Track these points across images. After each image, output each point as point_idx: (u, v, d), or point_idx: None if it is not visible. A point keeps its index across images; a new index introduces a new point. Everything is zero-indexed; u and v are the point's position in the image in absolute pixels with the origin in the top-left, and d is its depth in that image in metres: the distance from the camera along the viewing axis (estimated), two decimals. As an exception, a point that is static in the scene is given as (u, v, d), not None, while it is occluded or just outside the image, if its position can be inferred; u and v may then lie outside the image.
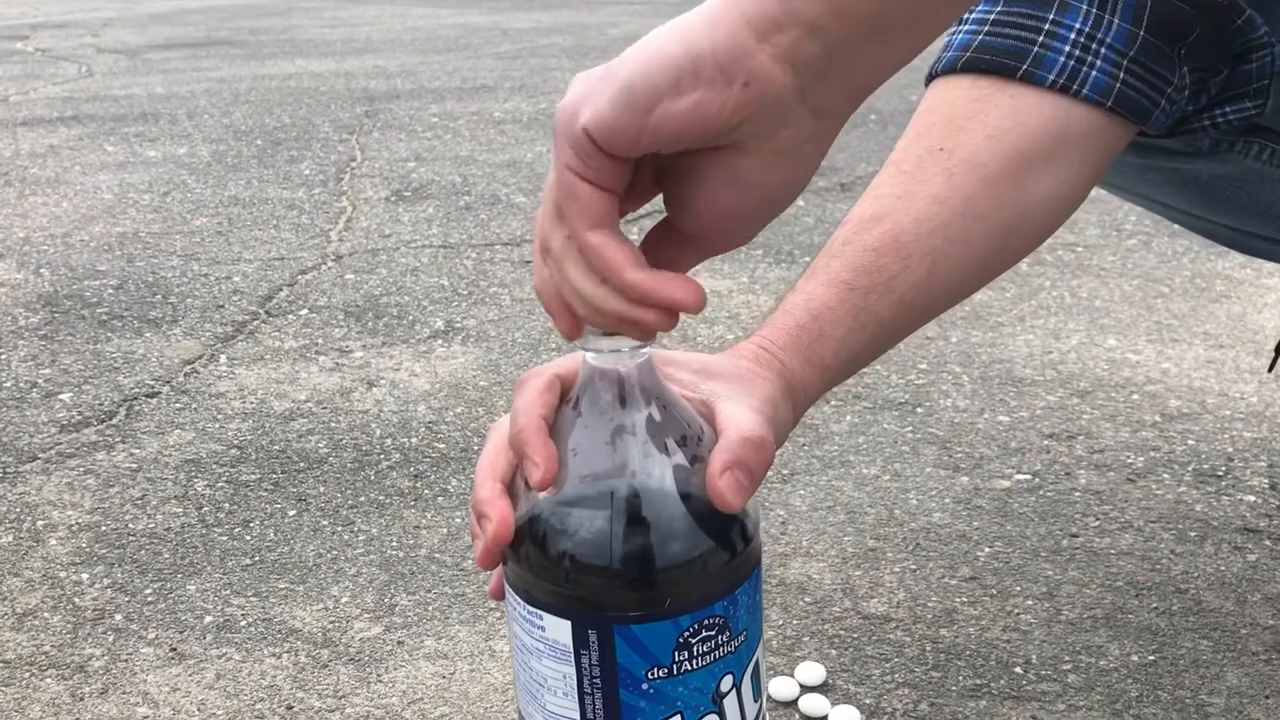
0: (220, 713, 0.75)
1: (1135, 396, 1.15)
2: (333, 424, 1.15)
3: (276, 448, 1.11)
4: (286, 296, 1.51)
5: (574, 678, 0.50)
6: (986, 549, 0.90)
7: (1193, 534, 0.91)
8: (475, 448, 1.09)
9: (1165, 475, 1.00)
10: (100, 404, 1.22)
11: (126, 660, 0.81)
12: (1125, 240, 1.62)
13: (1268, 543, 0.89)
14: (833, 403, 1.16)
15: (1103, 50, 0.63)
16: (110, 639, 0.83)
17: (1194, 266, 1.51)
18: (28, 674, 0.79)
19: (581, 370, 0.51)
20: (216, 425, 1.16)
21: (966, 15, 0.66)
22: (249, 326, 1.41)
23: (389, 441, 1.11)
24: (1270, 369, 1.00)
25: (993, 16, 0.65)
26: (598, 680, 0.50)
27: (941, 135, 0.64)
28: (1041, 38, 0.63)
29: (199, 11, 5.24)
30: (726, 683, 0.51)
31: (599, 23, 4.30)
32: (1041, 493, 0.98)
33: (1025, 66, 0.63)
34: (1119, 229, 1.66)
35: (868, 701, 0.73)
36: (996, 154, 0.63)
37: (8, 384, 1.28)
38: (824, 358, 0.61)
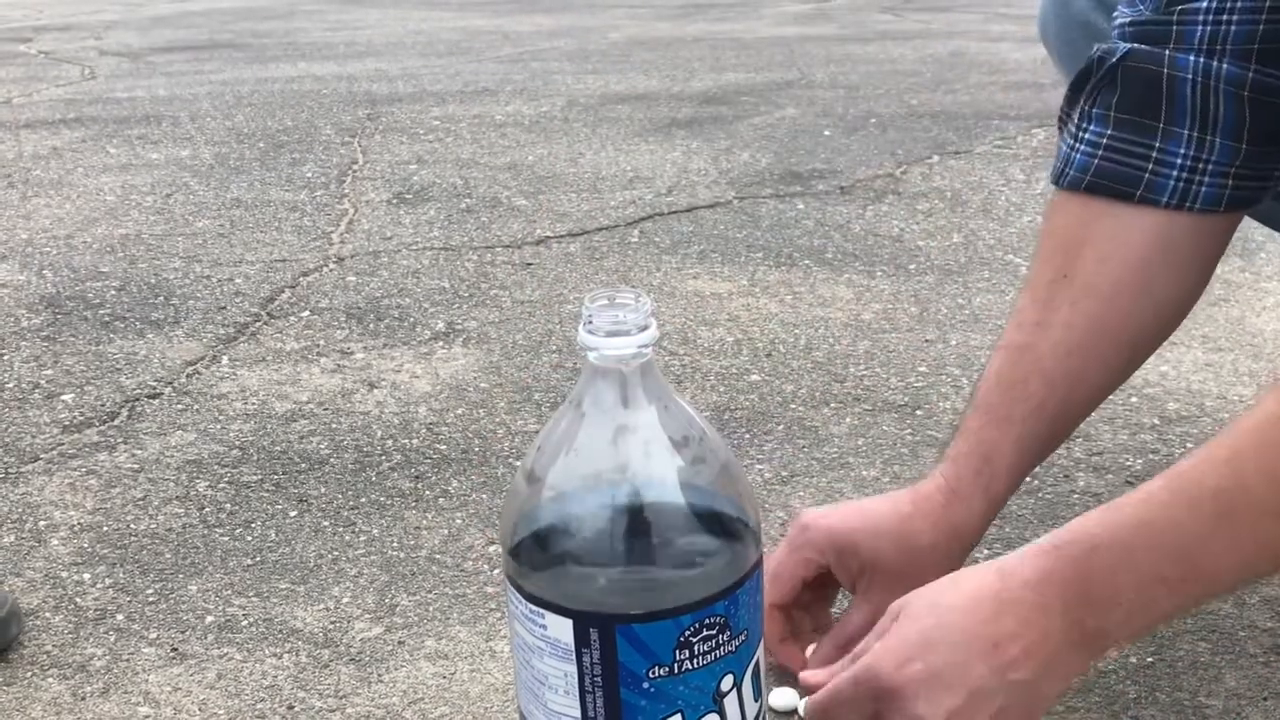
0: (221, 712, 0.75)
1: (1134, 399, 1.15)
2: (334, 425, 1.16)
3: (278, 449, 1.11)
4: (288, 298, 1.51)
5: (575, 676, 0.50)
6: (985, 551, 0.90)
7: (1191, 537, 0.91)
8: (476, 449, 1.10)
9: (1164, 478, 1.00)
10: (102, 405, 1.22)
11: (128, 660, 0.81)
12: (1125, 244, 1.62)
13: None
14: (832, 405, 1.16)
15: (1209, 168, 0.70)
16: (112, 639, 0.83)
17: (1193, 270, 1.51)
18: (29, 673, 0.80)
19: (584, 369, 0.51)
20: (218, 426, 1.16)
21: (1079, 130, 0.73)
22: (251, 328, 1.42)
23: (390, 443, 1.12)
24: None
25: (1105, 141, 0.72)
26: (599, 678, 0.50)
27: (1062, 262, 0.73)
28: (1151, 165, 0.70)
29: (202, 14, 5.25)
30: (727, 682, 0.52)
31: (600, 26, 4.31)
32: (1040, 495, 0.98)
33: (1140, 191, 0.71)
34: (1119, 233, 1.66)
35: (867, 702, 0.73)
36: (1108, 276, 0.71)
37: (10, 385, 1.28)
38: (999, 494, 0.75)
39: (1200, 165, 0.70)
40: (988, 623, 0.57)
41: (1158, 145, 0.70)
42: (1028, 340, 0.73)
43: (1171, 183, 0.70)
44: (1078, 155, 0.73)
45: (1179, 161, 0.70)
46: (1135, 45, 0.71)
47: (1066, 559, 0.58)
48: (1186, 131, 0.70)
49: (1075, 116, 0.74)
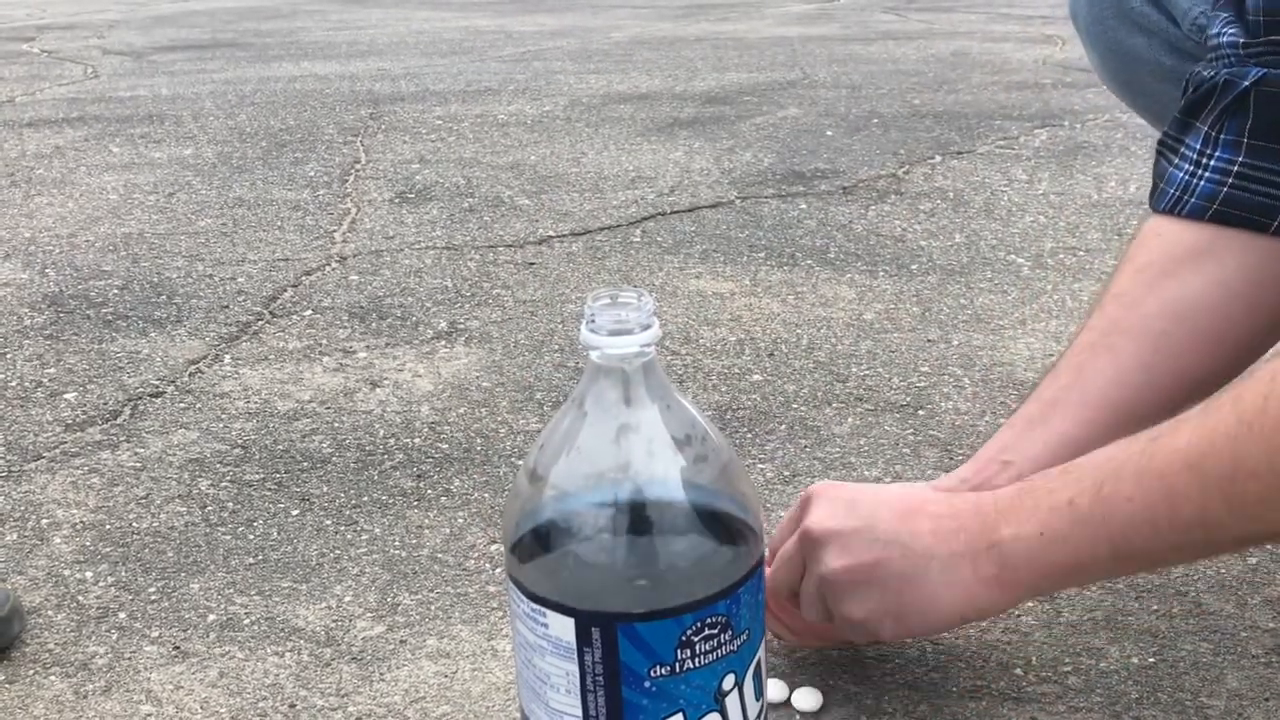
0: (223, 711, 0.76)
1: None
2: (336, 424, 1.16)
3: (280, 447, 1.11)
4: (291, 297, 1.51)
5: (577, 675, 0.50)
6: (988, 551, 0.90)
7: (1193, 537, 0.91)
8: (478, 448, 1.10)
9: (1166, 479, 1.00)
10: (105, 403, 1.22)
11: (130, 658, 0.81)
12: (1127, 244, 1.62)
13: (1269, 545, 0.89)
14: (834, 405, 1.16)
15: None
16: (114, 637, 0.83)
17: (1196, 271, 1.51)
18: (31, 671, 0.80)
19: (586, 368, 0.51)
20: (220, 425, 1.16)
21: (1203, 156, 0.70)
22: (253, 327, 1.42)
23: (392, 442, 1.12)
24: None
25: (1235, 168, 0.69)
26: (600, 678, 0.50)
27: (1174, 292, 0.70)
28: None
29: (204, 14, 5.25)
30: (729, 681, 0.52)
31: (603, 26, 4.31)
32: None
33: (1277, 223, 0.67)
34: (1120, 233, 1.66)
35: (868, 702, 0.73)
36: (1220, 306, 0.69)
37: (13, 383, 1.28)
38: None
39: None
40: (909, 497, 0.64)
41: None
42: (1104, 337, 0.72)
43: None
44: (1201, 183, 0.70)
45: None
46: (1269, 70, 0.67)
47: (986, 479, 0.67)
48: None
49: (1194, 142, 0.71)
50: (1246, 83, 0.68)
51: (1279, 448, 0.50)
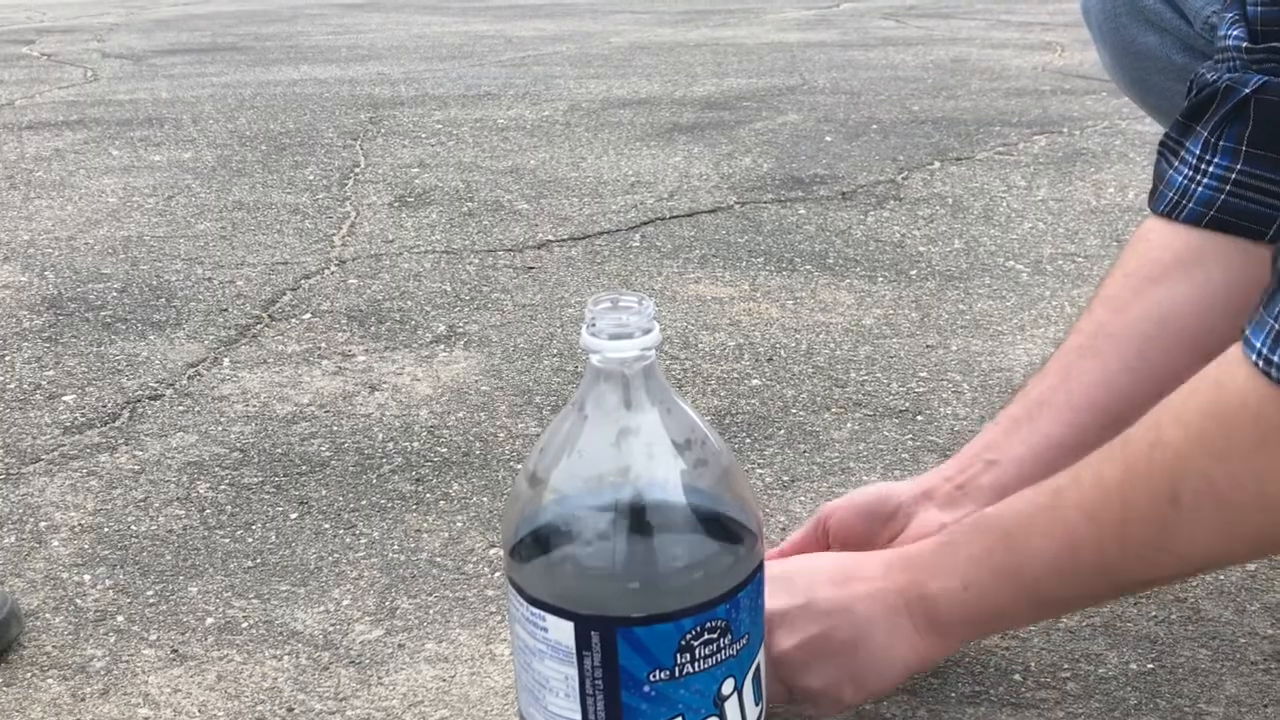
0: (221, 714, 0.75)
1: (1135, 406, 1.15)
2: (335, 427, 1.16)
3: (279, 451, 1.11)
4: (290, 301, 1.51)
5: (576, 679, 0.50)
6: (986, 557, 0.90)
7: (1192, 543, 0.91)
8: (477, 452, 1.10)
9: (1165, 485, 1.00)
10: (103, 406, 1.22)
11: (128, 661, 0.81)
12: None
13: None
14: (833, 410, 1.16)
15: None
16: (112, 640, 0.83)
17: (1195, 278, 1.51)
18: (29, 674, 0.80)
19: (587, 372, 0.51)
20: (219, 428, 1.16)
21: (1201, 162, 0.71)
22: (252, 330, 1.42)
23: (391, 445, 1.12)
24: None
25: (1234, 175, 0.69)
26: (599, 682, 0.50)
27: (1159, 295, 0.71)
28: None
29: (204, 17, 5.25)
30: (728, 685, 0.52)
31: (602, 31, 4.31)
32: (1041, 501, 0.98)
33: (1273, 232, 0.68)
34: (1119, 239, 1.66)
35: (867, 707, 0.73)
36: (1208, 318, 0.69)
37: (11, 385, 1.28)
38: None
39: None
40: (843, 565, 0.66)
41: None
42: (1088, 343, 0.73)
43: None
44: (1199, 189, 0.70)
45: None
46: (1270, 78, 0.67)
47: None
48: None
49: (1194, 147, 0.71)
50: (1247, 90, 0.67)
51: (1160, 493, 0.51)
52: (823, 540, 0.77)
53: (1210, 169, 0.70)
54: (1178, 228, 0.71)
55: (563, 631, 0.50)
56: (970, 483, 0.72)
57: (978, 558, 0.61)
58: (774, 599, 0.62)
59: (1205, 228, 0.69)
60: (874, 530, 0.74)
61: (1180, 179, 0.71)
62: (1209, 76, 0.71)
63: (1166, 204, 0.72)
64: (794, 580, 0.65)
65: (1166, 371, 0.68)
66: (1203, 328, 0.69)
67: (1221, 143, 0.69)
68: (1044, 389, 0.73)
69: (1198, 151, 0.71)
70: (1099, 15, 0.96)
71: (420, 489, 1.04)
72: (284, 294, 1.54)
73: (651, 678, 0.50)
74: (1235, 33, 0.69)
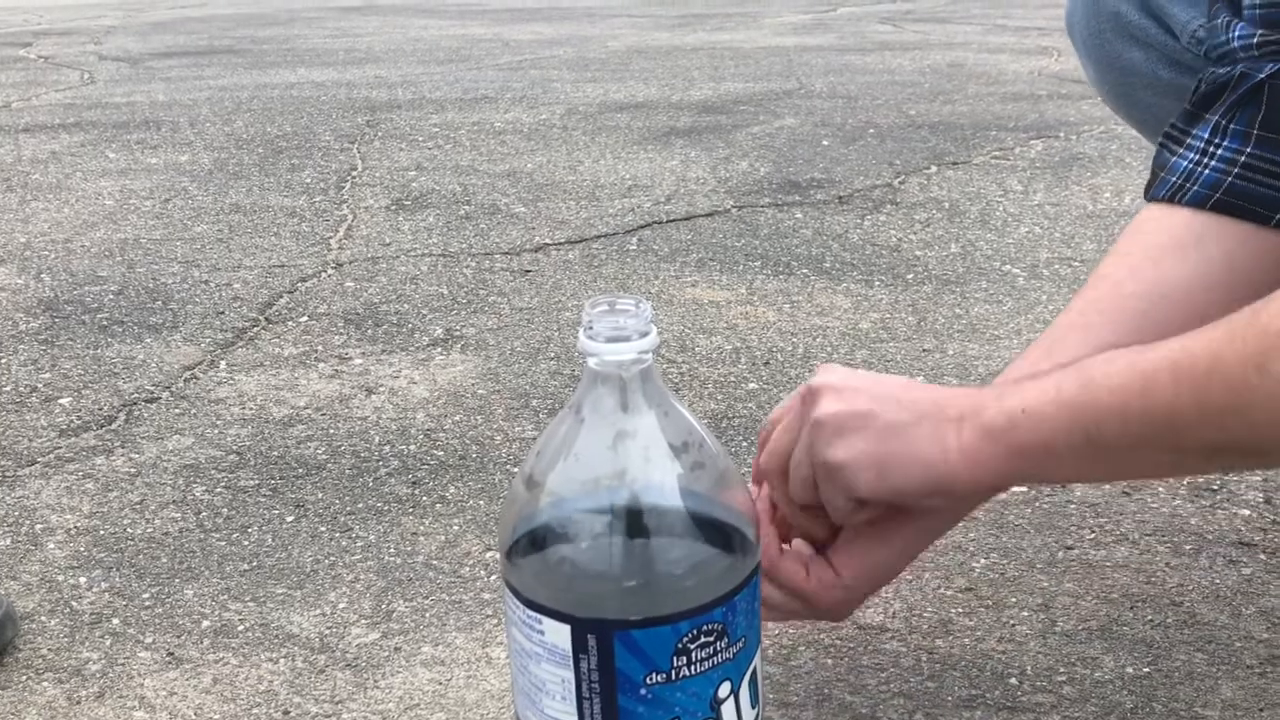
0: (217, 717, 0.75)
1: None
2: (331, 430, 1.16)
3: (275, 454, 1.11)
4: (286, 304, 1.51)
5: (572, 682, 0.50)
6: (982, 560, 0.90)
7: (1188, 547, 0.91)
8: (474, 455, 1.10)
9: (1160, 488, 1.00)
10: (100, 409, 1.22)
11: (123, 664, 0.81)
12: (1122, 255, 1.62)
13: (1262, 556, 0.89)
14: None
15: None
16: (107, 643, 0.83)
17: (1191, 282, 1.51)
18: (24, 677, 0.80)
19: (584, 375, 0.51)
20: (215, 431, 1.16)
21: (1210, 146, 0.69)
22: (249, 333, 1.42)
23: (387, 448, 1.12)
24: None
25: (1243, 159, 0.68)
26: (596, 685, 0.50)
27: (1153, 275, 0.70)
28: None
29: (201, 20, 5.25)
30: (724, 689, 0.52)
31: (599, 35, 4.32)
32: (1037, 505, 0.98)
33: (1278, 217, 0.67)
34: (1115, 241, 1.66)
35: (863, 711, 0.73)
36: (1203, 302, 0.67)
37: (7, 388, 1.28)
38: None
39: None
40: (907, 380, 0.64)
41: None
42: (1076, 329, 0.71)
43: None
44: (1206, 171, 0.69)
45: None
46: None
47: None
48: None
49: (1203, 132, 0.70)
50: (1262, 75, 0.67)
51: (1250, 360, 0.50)
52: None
53: (1219, 152, 0.69)
54: (1178, 211, 0.70)
55: (559, 634, 0.50)
56: None
57: (1046, 389, 0.58)
58: (833, 372, 0.62)
59: (1209, 210, 0.68)
60: None
61: (1185, 164, 0.70)
62: (1220, 70, 0.70)
63: (1168, 189, 0.71)
64: (860, 373, 0.63)
65: None
66: (1199, 309, 0.67)
67: (1233, 126, 0.68)
68: (1027, 365, 0.71)
69: (1206, 135, 0.70)
70: (1084, 31, 0.96)
71: (417, 492, 1.03)
72: (280, 297, 1.54)
73: (648, 681, 0.50)
74: (1238, 32, 0.69)
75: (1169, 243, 0.70)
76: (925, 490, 0.61)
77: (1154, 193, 0.73)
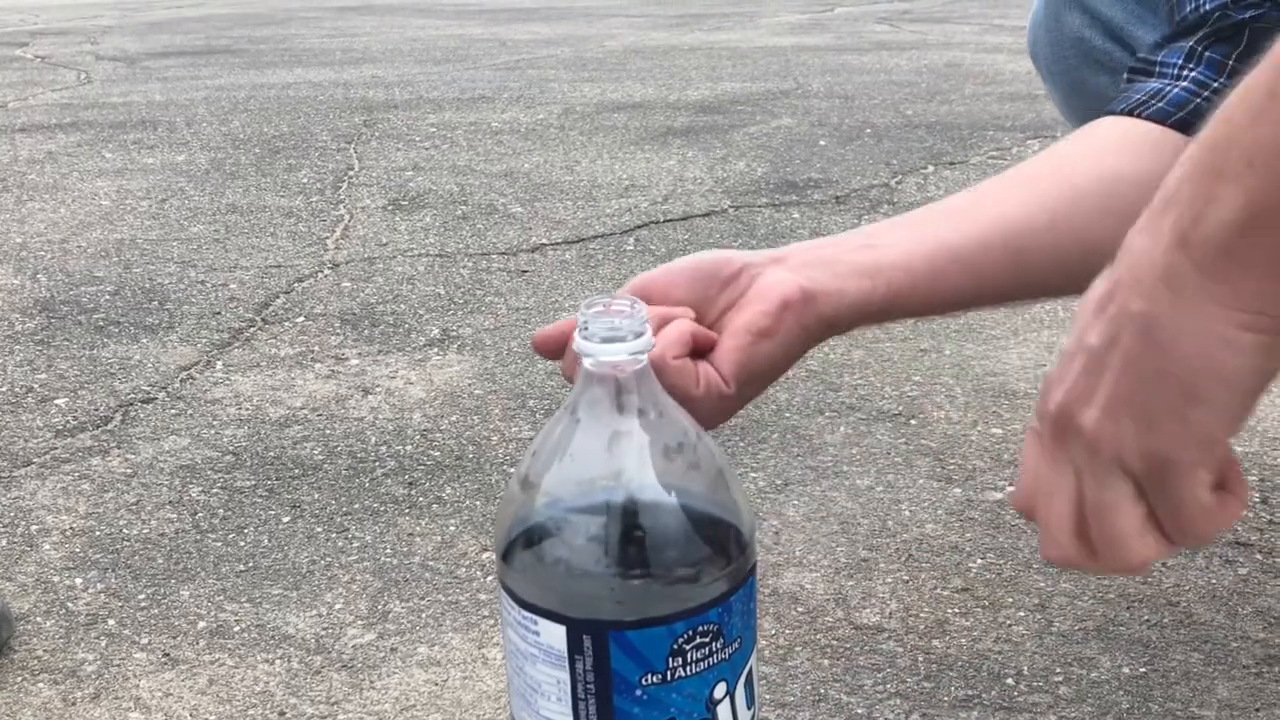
0: (213, 718, 0.75)
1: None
2: (328, 431, 1.16)
3: (271, 454, 1.11)
4: (283, 304, 1.51)
5: (568, 683, 0.50)
6: (979, 560, 0.90)
7: (1184, 547, 0.91)
8: (470, 456, 1.10)
9: (1157, 489, 1.00)
10: (96, 409, 1.22)
11: (119, 665, 0.81)
12: (1119, 255, 1.62)
13: (1259, 556, 0.89)
14: (826, 414, 1.16)
15: None
16: (103, 644, 0.83)
17: (1187, 282, 1.51)
18: (20, 679, 0.79)
19: (579, 376, 0.51)
20: (212, 431, 1.16)
21: (1182, 70, 0.67)
22: (245, 333, 1.42)
23: (384, 449, 1.12)
24: None
25: (1215, 86, 0.66)
26: (591, 686, 0.50)
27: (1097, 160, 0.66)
28: None
29: (198, 20, 5.25)
30: (720, 690, 0.52)
31: (597, 35, 4.31)
32: (1034, 505, 0.98)
33: None
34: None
35: (859, 711, 0.73)
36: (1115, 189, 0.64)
37: (3, 389, 1.28)
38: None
39: None
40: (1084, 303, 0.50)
41: None
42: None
43: None
44: (1175, 91, 0.66)
45: None
46: (1267, 10, 0.65)
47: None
48: None
49: (1175, 58, 0.67)
50: (1245, 15, 0.66)
51: None
52: None
53: (1192, 75, 0.67)
54: (1137, 122, 0.66)
55: (554, 635, 0.50)
56: (839, 258, 0.63)
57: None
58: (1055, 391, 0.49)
59: (1170, 126, 0.65)
60: (709, 296, 0.62)
61: (1153, 85, 0.68)
62: (1204, 6, 0.68)
63: (1130, 104, 0.68)
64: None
65: (1088, 228, 0.64)
66: (1141, 204, 0.65)
67: (1209, 54, 0.66)
68: (949, 205, 0.67)
69: (1179, 61, 0.67)
70: (1048, 58, 0.96)
71: (413, 492, 1.03)
72: (277, 297, 1.53)
73: (643, 681, 0.50)
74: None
75: (1122, 141, 0.67)
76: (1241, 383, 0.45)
77: (1112, 107, 0.69)
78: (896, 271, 0.62)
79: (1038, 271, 0.65)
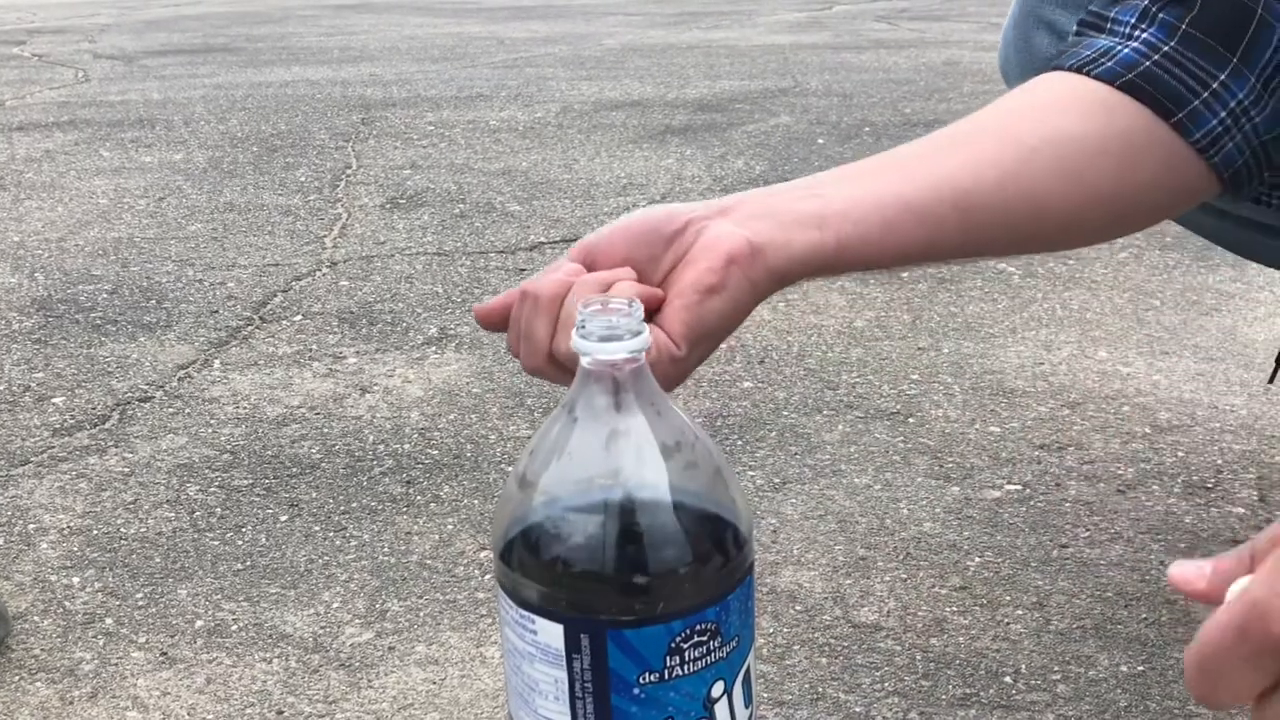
0: (210, 717, 0.75)
1: (1125, 408, 1.15)
2: (326, 430, 1.15)
3: (269, 453, 1.11)
4: (281, 302, 1.51)
5: (565, 682, 0.50)
6: (977, 559, 0.90)
7: (1182, 545, 0.91)
8: (468, 454, 1.10)
9: (1155, 487, 1.00)
10: (93, 408, 1.22)
11: (117, 664, 0.81)
12: (1117, 253, 1.62)
13: (1257, 555, 0.89)
14: (825, 412, 1.16)
15: (1248, 127, 0.64)
16: (100, 643, 0.83)
17: (1185, 280, 1.51)
18: (17, 678, 0.79)
19: (577, 375, 0.51)
20: (209, 430, 1.16)
21: (1133, 29, 0.66)
22: (243, 332, 1.42)
23: (382, 448, 1.12)
24: (1270, 380, 1.00)
25: (1165, 49, 0.65)
26: (589, 684, 0.50)
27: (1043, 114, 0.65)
28: (1205, 94, 0.64)
29: (196, 18, 5.24)
30: (718, 688, 0.52)
31: (594, 33, 4.31)
32: (1032, 503, 0.98)
33: (1181, 116, 0.64)
34: (1111, 242, 1.67)
35: (858, 709, 0.73)
36: (1088, 159, 0.63)
37: (1, 388, 1.27)
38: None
39: (1243, 121, 0.64)
40: None
41: (1221, 79, 0.63)
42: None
43: (1213, 123, 0.63)
44: (1125, 50, 0.65)
45: (1231, 104, 0.63)
46: None
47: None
48: (1253, 79, 0.63)
49: (1127, 16, 0.67)
50: None
51: None
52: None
53: (1144, 36, 0.65)
54: (1085, 80, 0.65)
55: (552, 634, 0.50)
56: (785, 208, 0.61)
57: None
58: None
59: (1117, 87, 0.64)
60: (654, 254, 0.61)
61: (1103, 43, 0.67)
62: None
63: (1079, 61, 0.66)
64: None
65: (1036, 188, 0.64)
66: (1089, 165, 0.64)
67: (1162, 15, 0.65)
68: (898, 156, 0.66)
69: (1131, 20, 0.66)
70: (1018, 78, 0.95)
71: (411, 491, 1.03)
72: (275, 296, 1.53)
73: (641, 680, 0.50)
74: None
75: (1071, 97, 0.65)
76: None
77: (1060, 62, 0.68)
78: (846, 223, 0.61)
79: (986, 229, 0.64)
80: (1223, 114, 0.64)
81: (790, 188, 0.64)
